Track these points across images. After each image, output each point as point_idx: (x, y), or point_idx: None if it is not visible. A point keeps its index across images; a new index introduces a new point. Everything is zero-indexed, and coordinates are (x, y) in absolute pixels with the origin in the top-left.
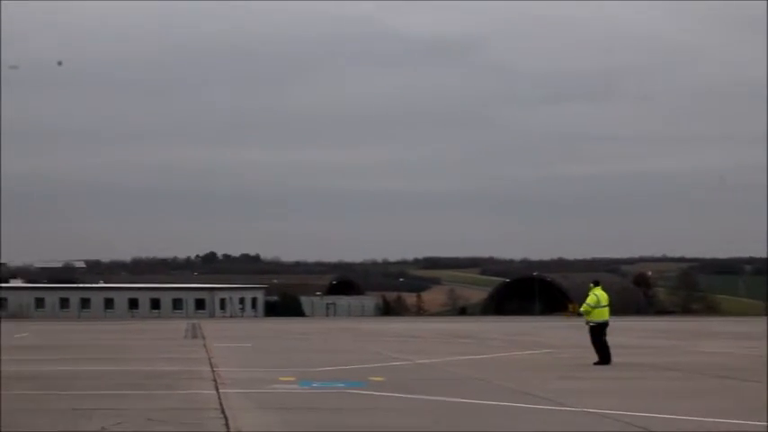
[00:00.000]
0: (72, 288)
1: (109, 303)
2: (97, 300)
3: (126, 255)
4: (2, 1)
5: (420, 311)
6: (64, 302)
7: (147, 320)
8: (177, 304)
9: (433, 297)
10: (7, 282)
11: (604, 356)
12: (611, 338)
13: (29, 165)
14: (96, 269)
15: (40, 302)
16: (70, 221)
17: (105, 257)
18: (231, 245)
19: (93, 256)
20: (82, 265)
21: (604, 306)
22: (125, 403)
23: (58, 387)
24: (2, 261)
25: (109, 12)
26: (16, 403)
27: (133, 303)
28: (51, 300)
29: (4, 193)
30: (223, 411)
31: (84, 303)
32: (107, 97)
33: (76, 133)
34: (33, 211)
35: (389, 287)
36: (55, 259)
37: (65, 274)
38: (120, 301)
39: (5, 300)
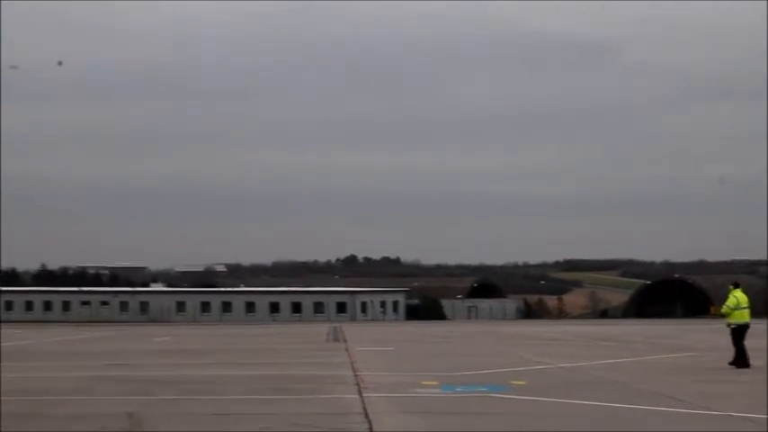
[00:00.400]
0: (213, 292)
1: (250, 307)
2: (238, 303)
3: (267, 258)
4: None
5: (561, 314)
6: (205, 306)
7: (288, 324)
8: (318, 308)
9: (573, 299)
10: (149, 286)
11: (743, 359)
12: (750, 342)
13: (172, 168)
14: (237, 273)
15: (181, 306)
16: (211, 226)
17: (246, 261)
18: (372, 248)
19: (233, 260)
20: (223, 268)
21: (744, 308)
22: (269, 408)
23: (201, 392)
24: (143, 265)
25: (218, 17)
26: (159, 408)
27: (274, 307)
28: (192, 303)
29: (147, 199)
30: (367, 416)
31: (226, 307)
32: (233, 102)
33: (208, 137)
34: (175, 216)
35: (530, 290)
36: (196, 263)
37: (206, 277)
38: (261, 304)
39: (147, 303)
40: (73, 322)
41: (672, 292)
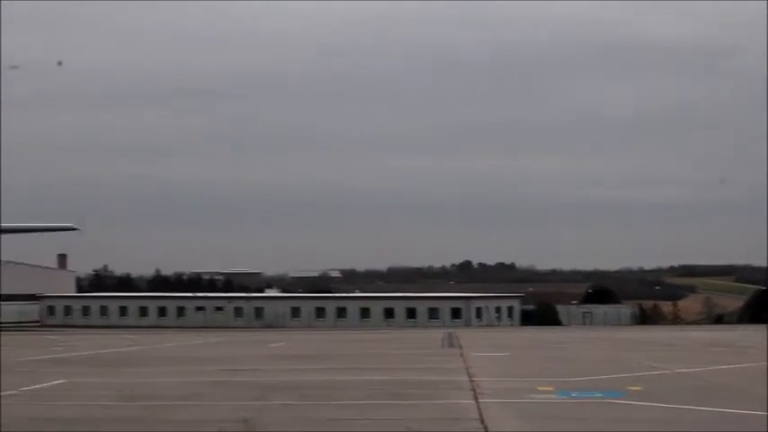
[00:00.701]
0: (328, 297)
1: (365, 313)
2: (353, 309)
3: (381, 264)
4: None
5: (676, 320)
6: (320, 312)
7: (402, 330)
8: (433, 313)
9: (688, 305)
10: (263, 291)
11: None
12: None
13: (287, 173)
14: (352, 278)
15: (295, 312)
16: (326, 231)
17: (361, 267)
18: (486, 253)
19: (348, 266)
20: (337, 274)
21: None
22: (384, 413)
23: (316, 397)
24: (258, 271)
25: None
26: (274, 414)
27: (389, 313)
28: (307, 309)
29: (262, 204)
30: (482, 421)
31: (340, 313)
32: (352, 107)
33: (324, 142)
34: (290, 222)
35: (645, 295)
36: (311, 269)
37: (321, 283)
38: (376, 310)
39: (262, 309)
40: (187, 328)
41: None
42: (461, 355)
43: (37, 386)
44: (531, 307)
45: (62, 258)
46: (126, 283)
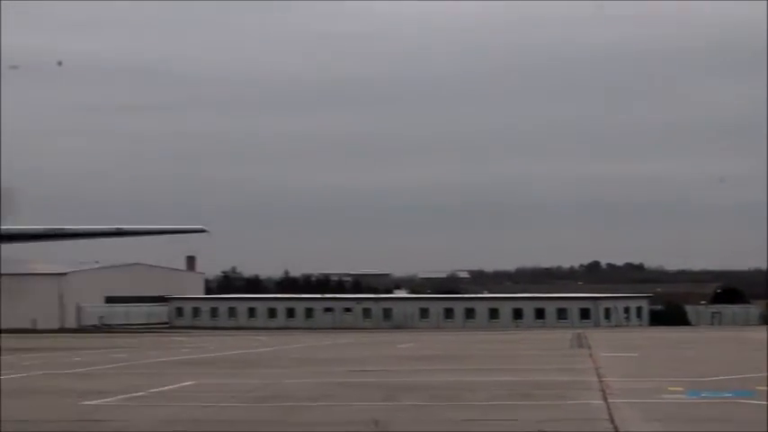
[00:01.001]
0: (456, 298)
1: (493, 314)
2: (481, 310)
3: (510, 265)
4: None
5: None
6: (448, 313)
7: (531, 330)
8: (561, 314)
9: None
10: (392, 292)
11: None
12: None
13: (413, 176)
14: (480, 279)
15: (424, 313)
16: (454, 232)
17: (489, 267)
18: (615, 253)
19: (476, 267)
20: (466, 275)
21: None
22: (514, 414)
23: (446, 398)
24: (387, 272)
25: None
26: (404, 414)
27: (517, 313)
28: (435, 310)
29: (388, 207)
30: (612, 421)
31: (469, 313)
32: (465, 108)
33: (444, 145)
34: (418, 223)
35: None
36: (439, 270)
37: (449, 284)
38: (505, 311)
39: (390, 310)
40: (316, 329)
41: None
42: (590, 355)
43: (165, 387)
44: (659, 307)
45: (191, 260)
46: (254, 284)
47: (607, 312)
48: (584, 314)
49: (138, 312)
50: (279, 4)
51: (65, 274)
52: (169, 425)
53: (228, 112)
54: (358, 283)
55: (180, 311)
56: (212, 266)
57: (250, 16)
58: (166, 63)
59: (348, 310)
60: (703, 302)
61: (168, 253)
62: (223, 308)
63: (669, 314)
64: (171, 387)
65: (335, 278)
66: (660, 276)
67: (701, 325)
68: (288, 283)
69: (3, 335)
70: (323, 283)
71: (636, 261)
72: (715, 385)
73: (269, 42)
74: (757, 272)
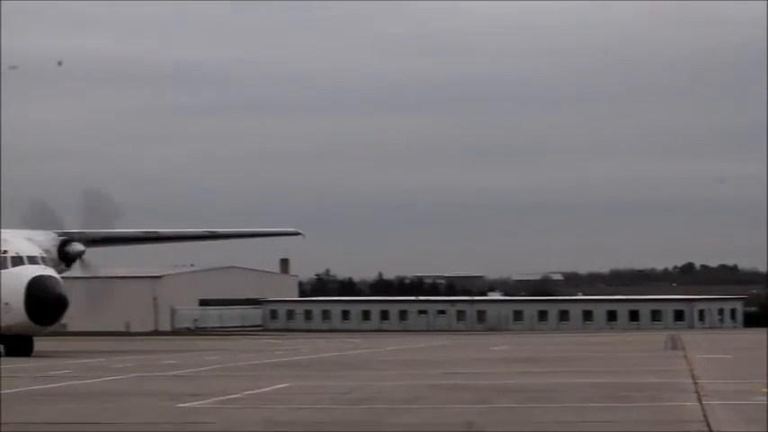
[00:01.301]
0: (550, 300)
1: (587, 315)
2: (575, 312)
3: (603, 266)
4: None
5: None
6: (542, 315)
7: (625, 332)
8: (656, 316)
9: None
10: (486, 295)
11: None
12: None
13: (528, 178)
14: (574, 281)
15: (518, 315)
16: (547, 233)
17: (583, 269)
18: (709, 255)
19: (570, 269)
20: (559, 277)
21: None
22: (608, 415)
23: (540, 400)
24: (480, 274)
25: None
26: (498, 416)
27: (611, 315)
28: (529, 312)
29: (483, 209)
30: (708, 424)
31: (563, 316)
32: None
33: (547, 146)
34: (513, 225)
35: None
36: (533, 272)
37: (542, 286)
38: (599, 313)
39: (484, 312)
40: (410, 331)
41: None
42: (685, 356)
43: (260, 390)
44: (753, 309)
45: (284, 263)
46: (348, 287)
47: (701, 314)
48: (679, 316)
49: (232, 315)
50: (378, 5)
51: (159, 276)
52: (265, 427)
53: (327, 113)
54: (452, 286)
55: (274, 314)
56: (306, 269)
57: (355, 17)
58: (255, 64)
59: (442, 312)
60: None
61: (262, 256)
62: (317, 310)
63: (764, 316)
64: (266, 389)
65: (429, 280)
66: (754, 278)
67: None
68: (382, 286)
69: (96, 338)
70: (416, 286)
71: (730, 263)
72: None
73: (365, 42)
74: None
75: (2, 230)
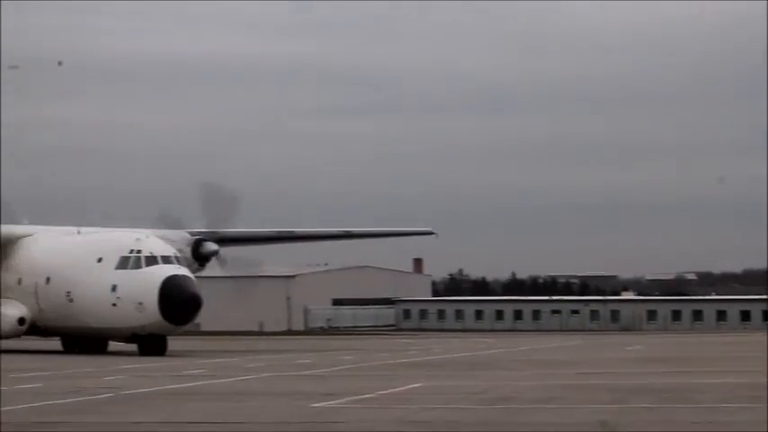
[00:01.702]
0: (683, 300)
1: (721, 315)
2: (709, 312)
3: (737, 266)
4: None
5: None
6: (675, 314)
7: (759, 332)
8: None
9: None
10: (619, 294)
11: None
12: None
13: (645, 177)
14: (707, 281)
15: (651, 315)
16: (680, 233)
17: (716, 269)
18: None
19: (704, 268)
20: (693, 277)
21: None
22: (744, 415)
23: (677, 400)
24: (614, 274)
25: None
26: (634, 416)
27: (745, 315)
28: (663, 312)
29: (617, 209)
30: None
31: (696, 315)
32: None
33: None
34: (644, 225)
35: None
36: (666, 271)
37: (676, 286)
38: (732, 313)
39: (618, 312)
40: (543, 331)
41: None
42: None
43: (394, 389)
44: None
45: (417, 262)
46: (482, 286)
47: None
48: None
49: (366, 315)
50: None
51: (293, 276)
52: (398, 427)
53: (456, 114)
54: (585, 285)
55: (407, 314)
56: (439, 269)
57: (467, 16)
58: (374, 65)
59: (575, 312)
60: None
61: (395, 255)
62: (450, 310)
63: None
64: (399, 389)
65: (562, 280)
66: None
67: None
68: (515, 285)
69: (230, 337)
70: (550, 286)
71: None
72: None
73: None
74: None
75: (135, 230)
